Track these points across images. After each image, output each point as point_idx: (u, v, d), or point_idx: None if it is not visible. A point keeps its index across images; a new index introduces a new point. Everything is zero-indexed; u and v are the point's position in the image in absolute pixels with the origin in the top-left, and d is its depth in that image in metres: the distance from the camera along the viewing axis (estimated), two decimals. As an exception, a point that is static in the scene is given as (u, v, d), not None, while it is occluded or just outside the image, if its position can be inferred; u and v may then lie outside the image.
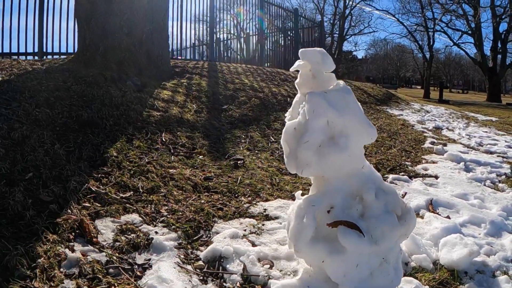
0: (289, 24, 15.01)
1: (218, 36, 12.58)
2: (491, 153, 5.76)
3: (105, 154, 2.85)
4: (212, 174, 3.08)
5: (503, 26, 30.12)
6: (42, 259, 1.65)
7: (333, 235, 1.51)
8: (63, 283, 1.56)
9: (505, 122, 10.64)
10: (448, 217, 2.86)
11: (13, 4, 7.15)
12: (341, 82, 1.62)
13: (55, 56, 7.50)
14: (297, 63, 1.64)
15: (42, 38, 7.50)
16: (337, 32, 40.30)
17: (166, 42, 6.20)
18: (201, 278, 1.76)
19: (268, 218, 2.50)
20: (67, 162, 2.59)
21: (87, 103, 3.63)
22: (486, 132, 8.03)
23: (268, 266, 1.87)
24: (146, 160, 2.94)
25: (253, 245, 2.09)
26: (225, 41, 14.88)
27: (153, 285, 1.55)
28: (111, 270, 1.70)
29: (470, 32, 31.21)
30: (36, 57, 7.30)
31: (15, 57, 7.10)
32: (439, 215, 2.89)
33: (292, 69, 1.65)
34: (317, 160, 1.51)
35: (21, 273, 1.56)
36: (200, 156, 3.40)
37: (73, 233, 1.90)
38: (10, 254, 1.62)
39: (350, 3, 38.85)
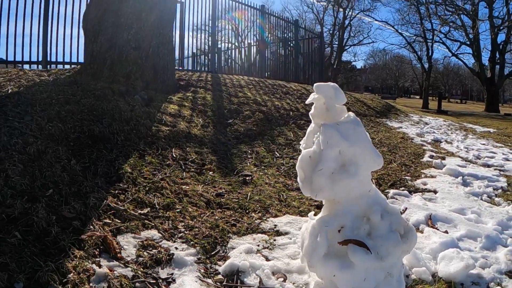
0: (289, 34, 15.26)
1: (219, 46, 12.78)
2: (489, 166, 5.86)
3: (120, 171, 2.99)
4: (223, 190, 3.23)
5: (501, 37, 30.51)
6: (71, 274, 1.76)
7: (343, 252, 1.67)
8: (95, 296, 1.70)
9: (502, 134, 10.72)
10: (446, 231, 3.00)
11: (18, 12, 7.27)
12: (352, 114, 1.78)
13: (59, 66, 7.63)
14: (312, 96, 1.80)
15: (47, 47, 7.62)
16: (336, 43, 40.75)
17: (172, 55, 6.35)
18: (221, 291, 1.92)
19: (278, 233, 2.65)
20: (84, 178, 2.72)
21: (97, 117, 3.76)
22: (484, 144, 8.11)
23: (282, 279, 2.03)
24: (160, 176, 3.10)
25: (267, 259, 2.24)
26: (226, 51, 15.12)
27: (179, 298, 1.70)
28: (137, 284, 1.84)
29: (468, 43, 31.58)
30: (40, 66, 7.42)
31: (19, 65, 7.20)
32: (438, 229, 3.04)
33: (307, 101, 1.82)
34: (329, 186, 1.67)
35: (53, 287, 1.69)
36: (210, 172, 3.56)
37: (98, 249, 2.04)
38: (42, 270, 1.73)
39: (350, 13, 39.38)
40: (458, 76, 68.46)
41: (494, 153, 7.02)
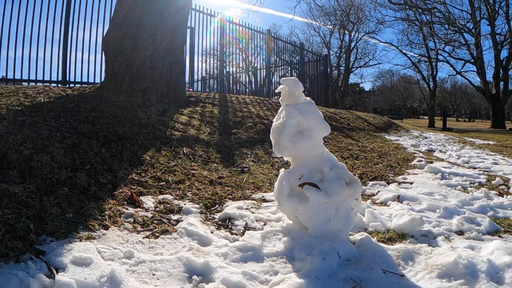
0: (297, 57, 16.08)
1: (227, 70, 13.58)
2: (475, 168, 6.07)
3: (141, 158, 3.69)
4: (224, 175, 3.92)
5: (504, 54, 30.85)
6: (107, 212, 2.47)
7: (302, 193, 2.33)
8: (124, 224, 2.39)
9: (501, 145, 10.69)
10: (409, 204, 3.58)
11: (40, 35, 8.14)
12: (308, 98, 2.49)
13: (77, 85, 8.46)
14: (280, 87, 2.54)
15: (66, 68, 8.44)
16: (343, 65, 41.73)
17: (183, 74, 7.12)
18: (216, 227, 2.59)
19: (265, 200, 3.33)
20: (113, 161, 3.43)
21: (120, 122, 4.47)
22: (478, 153, 8.19)
23: (263, 223, 2.70)
24: (173, 163, 3.80)
25: (253, 213, 2.92)
26: (234, 75, 15.96)
27: (185, 227, 2.37)
28: (155, 221, 2.53)
29: (472, 60, 31.95)
30: (59, 85, 8.23)
31: (40, 84, 7.98)
32: (402, 203, 3.60)
33: (277, 90, 2.54)
34: (291, 145, 2.36)
35: (95, 217, 2.38)
36: (214, 164, 4.26)
37: (126, 202, 2.74)
38: (86, 207, 2.44)
39: (356, 35, 40.41)
40: (466, 95, 68.65)
41: (485, 159, 7.16)
